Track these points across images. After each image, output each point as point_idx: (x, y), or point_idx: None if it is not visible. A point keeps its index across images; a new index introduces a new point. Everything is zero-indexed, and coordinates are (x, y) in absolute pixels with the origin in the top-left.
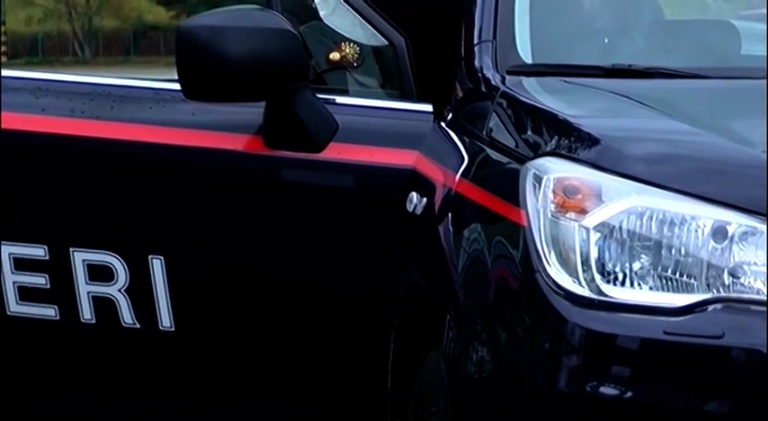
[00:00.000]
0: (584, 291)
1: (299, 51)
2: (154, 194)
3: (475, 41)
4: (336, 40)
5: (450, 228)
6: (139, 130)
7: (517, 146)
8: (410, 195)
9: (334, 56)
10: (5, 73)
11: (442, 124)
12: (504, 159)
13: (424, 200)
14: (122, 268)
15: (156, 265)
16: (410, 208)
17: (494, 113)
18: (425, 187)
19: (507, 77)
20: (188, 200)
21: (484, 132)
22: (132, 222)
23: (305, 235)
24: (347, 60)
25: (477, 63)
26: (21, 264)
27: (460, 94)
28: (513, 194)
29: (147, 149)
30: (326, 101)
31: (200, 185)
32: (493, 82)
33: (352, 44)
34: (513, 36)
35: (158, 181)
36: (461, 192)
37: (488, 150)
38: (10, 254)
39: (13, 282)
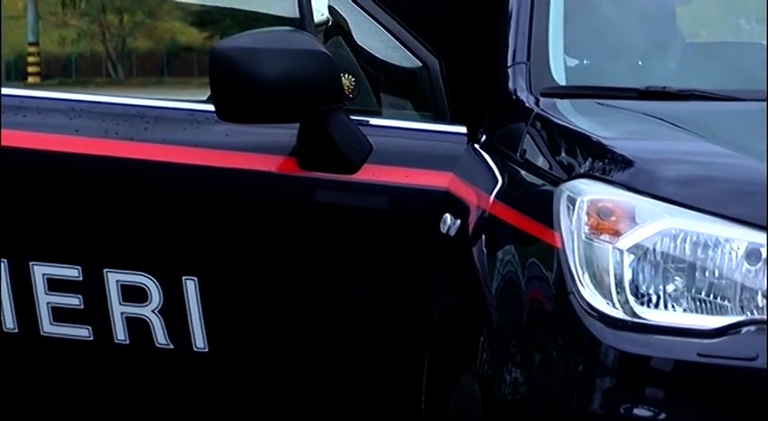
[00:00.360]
0: (617, 313)
1: (333, 73)
2: (188, 215)
3: (509, 63)
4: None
5: (484, 250)
6: (173, 151)
7: (551, 167)
8: (444, 217)
9: None
10: (40, 94)
11: (476, 146)
12: (538, 181)
13: (458, 221)
14: (156, 289)
15: (190, 286)
16: (444, 229)
17: (528, 135)
18: (459, 209)
19: (541, 99)
20: (222, 221)
21: (518, 154)
22: (166, 243)
23: (338, 256)
24: (346, 93)
25: (510, 85)
26: (55, 285)
27: (494, 116)
28: (547, 216)
29: (180, 170)
30: (360, 122)
31: (234, 206)
32: (527, 104)
33: (348, 76)
34: (546, 58)
35: (192, 202)
36: (495, 214)
37: (522, 172)
38: (44, 274)
39: (47, 303)
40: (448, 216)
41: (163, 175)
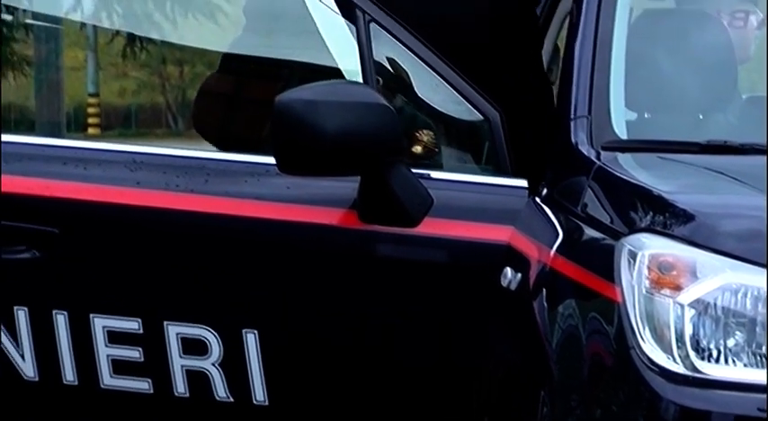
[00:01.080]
0: (678, 368)
1: (394, 126)
2: (248, 268)
3: (570, 117)
4: (416, 123)
5: (545, 304)
6: (234, 204)
7: (612, 221)
8: (504, 270)
9: (417, 149)
10: (101, 146)
11: (537, 199)
12: (599, 235)
13: (519, 275)
14: (216, 342)
15: (250, 339)
16: (504, 283)
17: (589, 189)
18: (520, 262)
19: (602, 153)
20: (282, 274)
21: (579, 208)
22: (226, 296)
23: (399, 310)
24: (430, 148)
25: (572, 138)
26: (115, 337)
27: (556, 170)
28: (607, 270)
29: (241, 223)
30: (421, 175)
31: (295, 259)
32: (588, 157)
33: (425, 131)
34: (608, 112)
35: (253, 255)
36: (556, 268)
37: (583, 226)
38: (104, 327)
39: (107, 355)
40: (509, 270)
41: (224, 228)
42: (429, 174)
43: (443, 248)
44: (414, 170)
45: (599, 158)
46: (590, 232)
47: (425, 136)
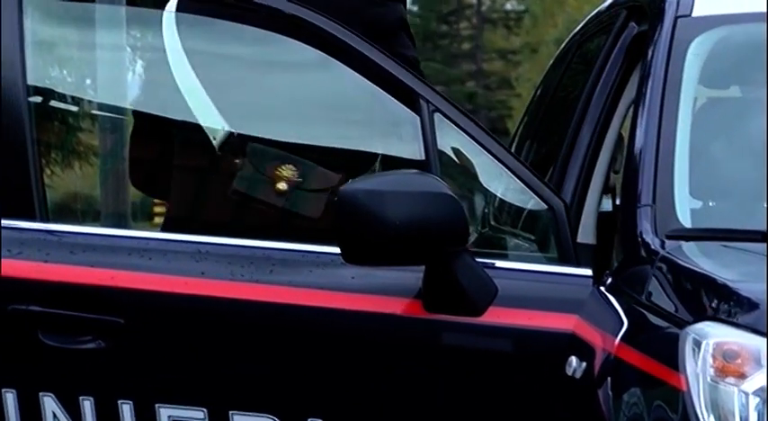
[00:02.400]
0: None
1: (459, 216)
2: (312, 358)
3: (634, 206)
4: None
5: (610, 393)
6: (299, 294)
7: (676, 310)
8: (569, 359)
9: (281, 187)
10: (166, 236)
11: (602, 288)
12: (664, 324)
13: (584, 364)
14: None
15: None
16: (569, 372)
17: (653, 278)
18: (585, 351)
19: (667, 242)
20: (347, 363)
21: (643, 296)
22: (291, 386)
23: (463, 399)
24: (292, 180)
25: (636, 227)
26: None
27: (620, 259)
28: (672, 358)
29: (306, 313)
30: (486, 265)
31: (360, 349)
32: (652, 246)
33: (286, 166)
34: (672, 201)
35: (317, 344)
36: (621, 356)
37: (648, 315)
38: (169, 416)
39: None
40: (573, 358)
41: (289, 318)
42: (493, 264)
43: (508, 337)
44: (478, 260)
45: (663, 247)
46: (654, 320)
47: (286, 171)
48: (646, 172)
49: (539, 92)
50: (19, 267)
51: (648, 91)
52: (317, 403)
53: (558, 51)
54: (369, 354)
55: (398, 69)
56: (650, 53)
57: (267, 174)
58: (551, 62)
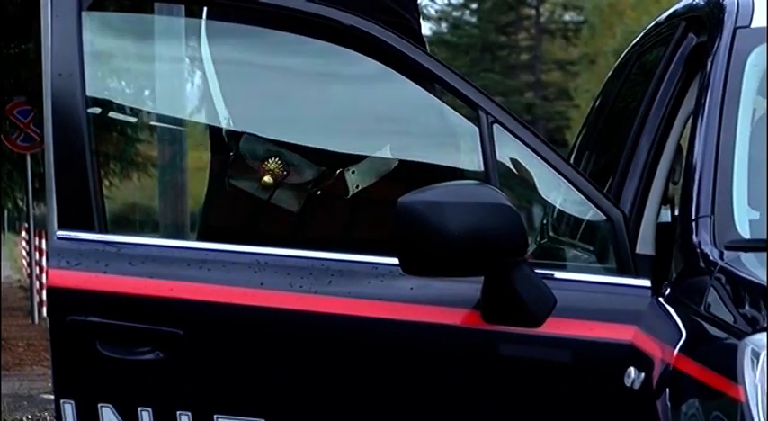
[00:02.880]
0: None
1: (518, 227)
2: (371, 368)
3: (692, 217)
4: None
5: (668, 403)
6: (357, 305)
7: (735, 321)
8: (628, 370)
9: (267, 180)
10: (224, 247)
11: (660, 299)
12: (722, 334)
13: (642, 375)
14: None
15: None
16: (628, 383)
17: (712, 289)
18: (643, 362)
19: (725, 253)
20: (407, 374)
21: (702, 307)
22: (349, 396)
23: (522, 409)
24: (278, 174)
25: (694, 238)
26: None
27: (679, 270)
28: (731, 369)
29: (365, 324)
30: (544, 275)
31: (419, 360)
32: (711, 257)
33: (272, 160)
34: (731, 212)
35: (377, 355)
36: (679, 367)
37: (706, 325)
38: None
39: None
40: (632, 369)
41: (347, 329)
42: (552, 275)
43: (567, 348)
44: (537, 271)
45: (722, 258)
46: (713, 331)
47: (272, 164)
48: (704, 183)
49: (597, 103)
50: (78, 278)
51: (707, 102)
52: (377, 414)
53: (616, 62)
54: (428, 365)
55: (458, 81)
56: (709, 64)
57: (256, 168)
58: (610, 73)
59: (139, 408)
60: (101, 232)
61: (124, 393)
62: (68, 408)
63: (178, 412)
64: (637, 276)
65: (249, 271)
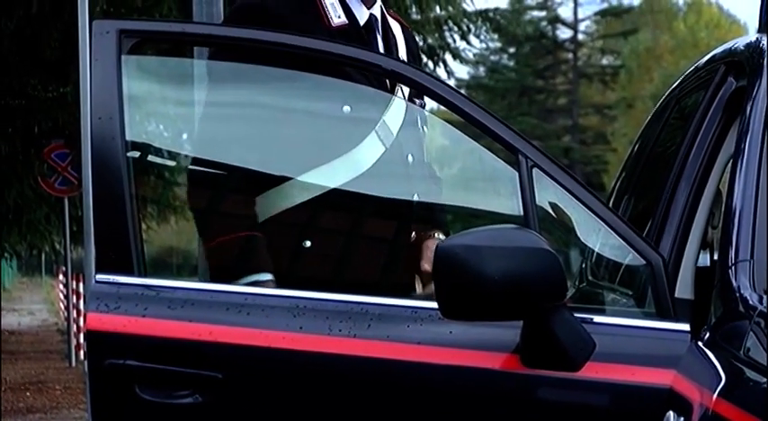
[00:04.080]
0: None
1: (558, 271)
2: (410, 413)
3: (732, 261)
4: None
5: None
6: (397, 349)
7: None
8: (667, 414)
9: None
10: (263, 291)
11: (700, 344)
12: (762, 379)
13: (681, 419)
14: None
15: None
16: None
17: (751, 333)
18: (683, 406)
19: (765, 297)
20: (444, 419)
21: (741, 352)
22: None
23: None
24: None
25: (734, 283)
26: None
27: (718, 314)
28: None
29: (404, 367)
30: (584, 320)
31: (457, 403)
32: (750, 302)
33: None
34: None
35: (416, 399)
36: (719, 412)
37: (746, 370)
38: None
39: None
40: (671, 414)
41: (386, 373)
42: (592, 319)
43: (606, 392)
44: (576, 315)
45: (761, 302)
46: (752, 376)
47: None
48: (743, 227)
49: (636, 147)
50: (117, 322)
51: (747, 146)
52: None
53: (655, 106)
54: (467, 409)
55: (498, 125)
56: (749, 108)
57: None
58: (649, 117)
59: None
60: (140, 276)
61: None
62: None
63: None
64: (676, 320)
65: (288, 315)
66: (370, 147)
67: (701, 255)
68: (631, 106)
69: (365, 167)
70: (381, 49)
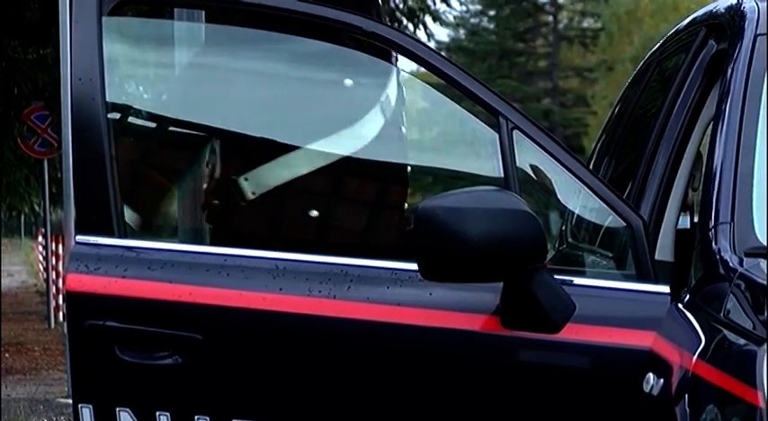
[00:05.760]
0: None
1: (538, 233)
2: (389, 374)
3: (712, 224)
4: None
5: (687, 410)
6: (377, 310)
7: (754, 327)
8: (647, 376)
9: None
10: (243, 252)
11: (680, 306)
12: (741, 341)
13: (661, 381)
14: None
15: None
16: (647, 389)
17: (731, 295)
18: (662, 368)
19: (745, 259)
20: (423, 379)
21: (721, 314)
22: (367, 401)
23: (540, 416)
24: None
25: (714, 245)
26: None
27: (698, 276)
28: (749, 376)
29: (384, 329)
30: (564, 282)
31: (437, 365)
32: (731, 264)
33: None
34: (750, 218)
35: (395, 360)
36: (698, 373)
37: (725, 332)
38: None
39: None
40: (651, 375)
41: (366, 334)
42: (572, 281)
43: (586, 354)
44: (556, 277)
45: (741, 265)
46: (732, 338)
47: None
48: (724, 189)
49: (616, 109)
50: (97, 283)
51: (727, 109)
52: (394, 419)
53: (636, 69)
54: (446, 370)
55: (478, 87)
56: (729, 71)
57: None
58: (629, 80)
59: (157, 413)
60: (120, 237)
61: (142, 397)
62: (86, 412)
63: (196, 417)
64: (656, 282)
65: (268, 276)
66: (374, 119)
67: (681, 218)
68: (611, 69)
69: (369, 139)
70: None
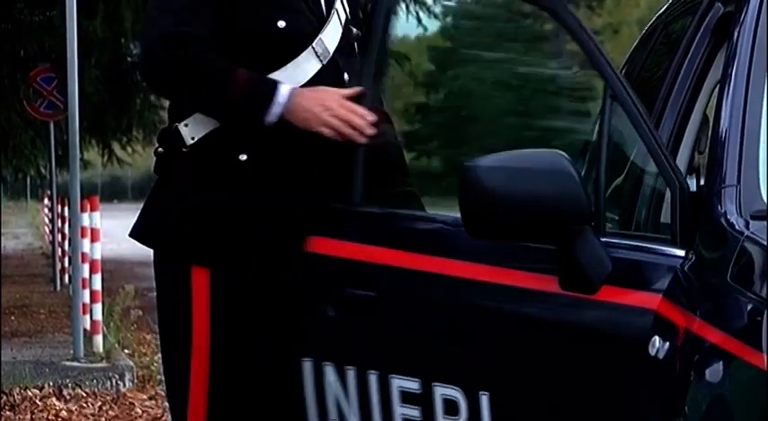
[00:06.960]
0: None
1: (581, 194)
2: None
3: (718, 186)
4: None
5: (692, 372)
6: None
7: (759, 290)
8: (653, 339)
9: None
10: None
11: (685, 268)
12: (747, 304)
13: (667, 344)
14: (464, 403)
15: (484, 401)
16: (653, 352)
17: (736, 258)
18: (668, 330)
19: (751, 222)
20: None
21: (727, 277)
22: (467, 358)
23: (545, 375)
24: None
25: (720, 208)
26: (405, 398)
27: (704, 238)
28: (754, 338)
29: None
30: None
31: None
32: (737, 227)
33: None
34: (757, 181)
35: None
36: (703, 336)
37: (731, 294)
38: (398, 387)
39: (401, 414)
40: (657, 338)
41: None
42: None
43: (599, 311)
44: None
45: (747, 227)
46: (738, 300)
47: None
48: (730, 152)
49: (623, 72)
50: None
51: (734, 72)
52: (483, 376)
53: (642, 32)
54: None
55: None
56: (736, 34)
57: None
58: (635, 43)
59: (346, 368)
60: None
61: (340, 352)
62: (308, 366)
63: (368, 372)
64: (672, 245)
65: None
66: (307, 61)
67: (687, 180)
68: (617, 32)
69: (302, 81)
70: None
